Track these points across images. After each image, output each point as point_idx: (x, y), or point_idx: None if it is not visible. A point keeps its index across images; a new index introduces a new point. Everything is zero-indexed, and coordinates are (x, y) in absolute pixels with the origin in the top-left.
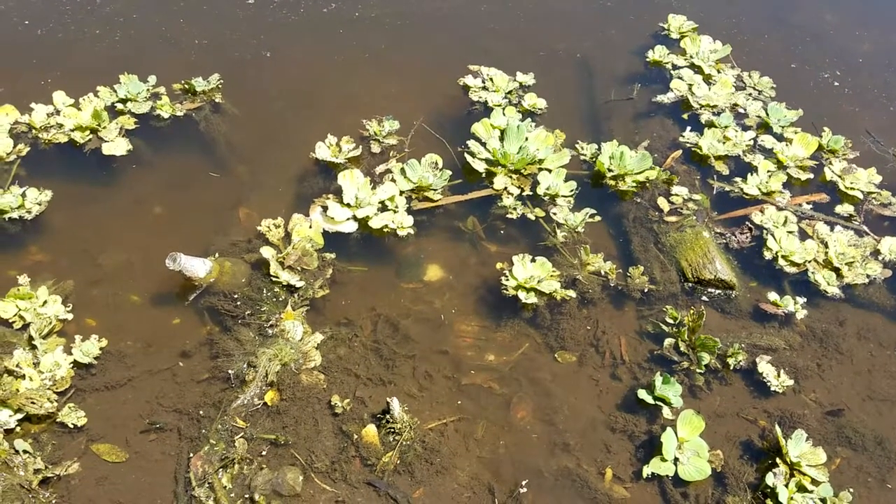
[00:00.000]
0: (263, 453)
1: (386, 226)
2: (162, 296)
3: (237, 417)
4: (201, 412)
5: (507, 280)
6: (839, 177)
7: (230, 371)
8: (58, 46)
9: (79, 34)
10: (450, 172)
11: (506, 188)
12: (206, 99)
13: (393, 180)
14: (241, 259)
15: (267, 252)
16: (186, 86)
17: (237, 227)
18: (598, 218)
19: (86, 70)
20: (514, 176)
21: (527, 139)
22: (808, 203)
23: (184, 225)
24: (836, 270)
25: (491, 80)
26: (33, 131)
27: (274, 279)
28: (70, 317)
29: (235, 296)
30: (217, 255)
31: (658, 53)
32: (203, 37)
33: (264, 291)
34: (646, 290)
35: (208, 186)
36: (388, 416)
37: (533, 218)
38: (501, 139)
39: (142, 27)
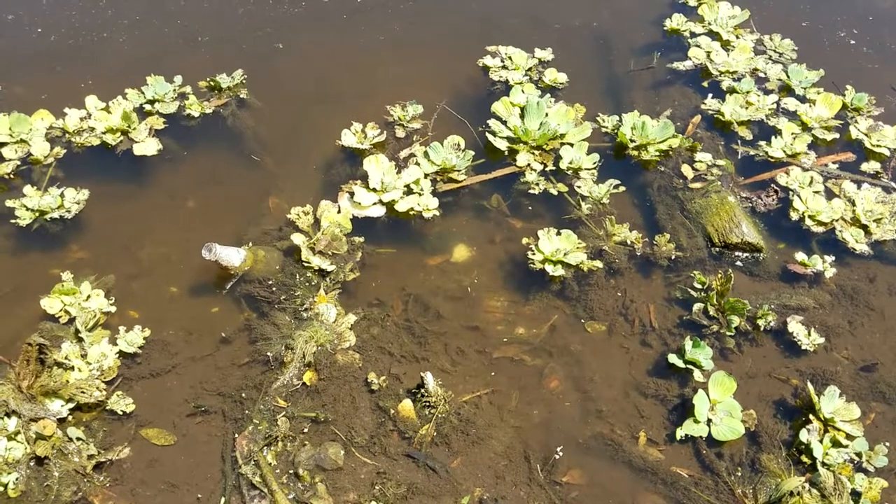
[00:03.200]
0: (305, 430)
1: (412, 208)
2: (200, 286)
3: (278, 398)
4: (243, 394)
5: (534, 254)
6: (865, 135)
7: (269, 354)
8: (75, 52)
9: (90, 39)
10: (472, 153)
11: (529, 164)
12: (231, 95)
13: (417, 163)
14: (274, 247)
15: (298, 238)
16: (212, 83)
17: (268, 217)
18: (622, 189)
19: (105, 74)
20: (537, 152)
21: (547, 115)
22: (834, 163)
23: (216, 217)
24: (864, 227)
25: (510, 58)
26: (67, 135)
27: (306, 264)
28: (113, 309)
29: (270, 282)
30: (250, 244)
31: (676, 22)
32: (208, 34)
33: (297, 277)
34: (673, 258)
35: (238, 179)
36: (422, 391)
37: (556, 193)
38: (522, 116)
39: (145, 29)
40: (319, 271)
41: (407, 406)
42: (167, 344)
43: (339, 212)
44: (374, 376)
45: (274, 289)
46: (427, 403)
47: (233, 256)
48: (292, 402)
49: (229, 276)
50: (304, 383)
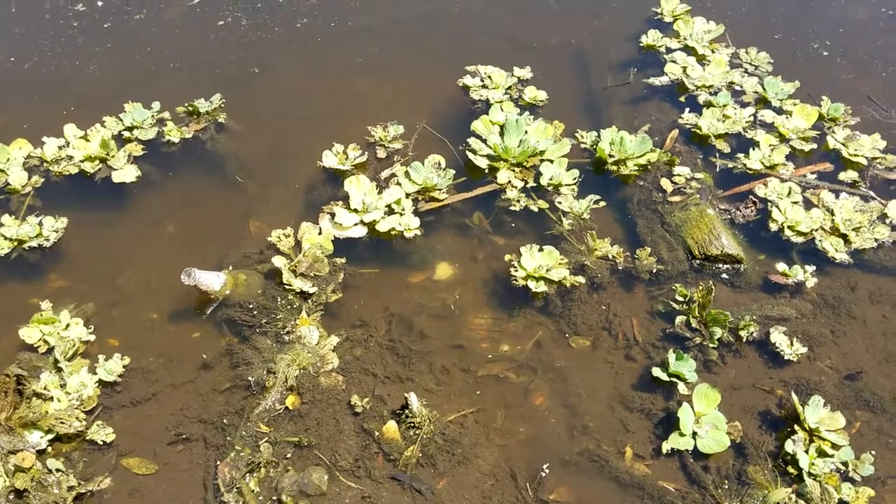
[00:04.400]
0: (288, 456)
1: (393, 228)
2: (180, 311)
3: (260, 423)
4: (225, 420)
5: (517, 271)
6: (843, 144)
7: (250, 378)
8: (50, 80)
9: (64, 67)
10: (453, 171)
11: (509, 182)
12: (210, 119)
13: (398, 183)
14: (255, 270)
15: (279, 261)
16: (190, 108)
17: (248, 240)
18: (602, 204)
19: (81, 102)
20: (517, 169)
21: (526, 132)
22: (812, 173)
23: (197, 242)
24: (844, 237)
25: (489, 77)
26: (45, 164)
27: (287, 287)
28: (93, 338)
29: (251, 306)
30: (231, 267)
31: (651, 38)
32: (180, 61)
33: (279, 300)
34: (654, 271)
35: (219, 203)
36: (407, 412)
37: (537, 209)
38: (502, 134)
39: (117, 56)
40: (301, 293)
41: (391, 428)
42: (147, 371)
43: (320, 233)
44: (358, 398)
45: (255, 312)
46: (412, 424)
47: (212, 281)
48: (275, 427)
49: (210, 300)
50: (286, 407)
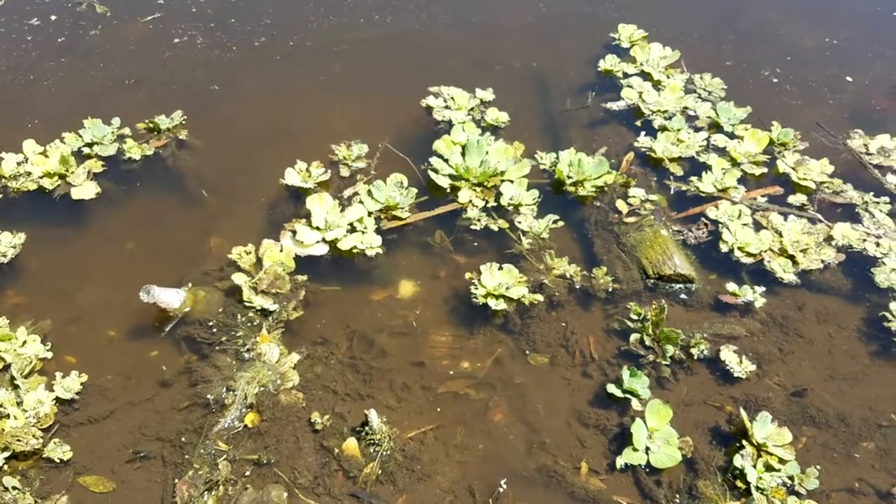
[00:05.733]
0: (247, 473)
1: (355, 246)
2: (139, 329)
3: (219, 441)
4: (184, 438)
5: (477, 289)
6: (792, 168)
7: (209, 396)
8: (5, 95)
9: (18, 81)
10: (416, 190)
11: (470, 201)
12: (171, 136)
13: (361, 202)
14: (215, 287)
15: (239, 278)
16: (151, 124)
17: (209, 257)
18: (560, 223)
19: (38, 117)
20: (478, 189)
21: (487, 153)
22: (762, 196)
23: (156, 259)
24: (792, 258)
25: (452, 98)
26: (3, 180)
27: (248, 304)
28: (50, 355)
29: (211, 323)
30: (190, 285)
31: (609, 62)
32: (135, 77)
33: (239, 317)
34: (610, 290)
35: (179, 220)
36: (367, 429)
37: (497, 229)
38: (463, 154)
39: (72, 72)
40: (262, 311)
41: (351, 445)
42: (105, 389)
43: (281, 251)
44: (318, 416)
45: (215, 330)
46: (372, 441)
47: (172, 298)
48: (234, 445)
49: (168, 318)
50: (245, 425)
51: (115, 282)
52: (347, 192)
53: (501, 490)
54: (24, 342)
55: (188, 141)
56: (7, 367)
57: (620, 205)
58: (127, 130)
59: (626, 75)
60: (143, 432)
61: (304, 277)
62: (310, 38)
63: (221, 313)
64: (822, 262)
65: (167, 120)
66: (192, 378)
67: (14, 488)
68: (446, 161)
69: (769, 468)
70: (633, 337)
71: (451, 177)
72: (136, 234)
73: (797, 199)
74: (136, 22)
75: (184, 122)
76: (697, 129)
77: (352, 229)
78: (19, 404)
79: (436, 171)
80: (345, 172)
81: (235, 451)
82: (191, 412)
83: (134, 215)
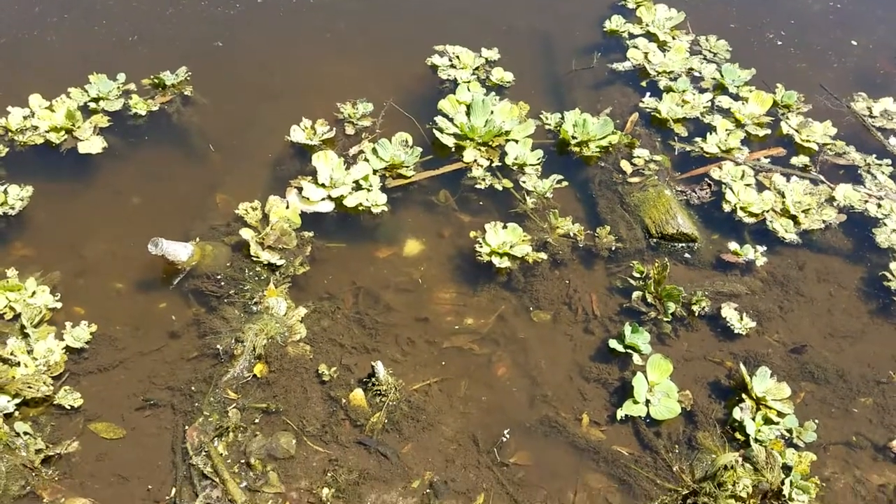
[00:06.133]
0: (256, 421)
1: (360, 204)
2: (147, 282)
3: (228, 390)
4: (193, 388)
5: (481, 247)
6: (796, 130)
7: (218, 347)
8: (9, 50)
9: (21, 37)
10: (420, 149)
11: (475, 160)
12: (176, 92)
13: (366, 160)
14: (222, 242)
15: (246, 234)
16: (156, 80)
17: (215, 213)
18: (565, 183)
19: (43, 72)
20: (483, 148)
21: (492, 112)
22: (765, 157)
23: (162, 213)
24: (794, 218)
25: (458, 57)
26: (10, 134)
27: (255, 259)
28: (59, 306)
29: (219, 277)
30: (197, 239)
31: (615, 23)
32: (138, 34)
33: (246, 271)
34: (613, 249)
35: (185, 175)
36: (373, 380)
37: (502, 188)
38: (468, 114)
39: (75, 28)
40: (269, 266)
41: (358, 395)
42: (114, 339)
43: (287, 207)
44: (325, 367)
45: (223, 283)
46: (378, 392)
47: (180, 251)
48: (243, 394)
49: (176, 271)
50: (254, 375)
51: (122, 235)
52: (353, 151)
53: (504, 439)
54: (34, 293)
55: (193, 97)
56: (17, 316)
57: (625, 165)
58: (132, 86)
59: (631, 36)
60: (152, 381)
61: (311, 234)
62: None
63: (229, 267)
64: (824, 222)
65: (172, 76)
66: (201, 329)
67: (26, 433)
68: (451, 120)
69: (768, 421)
70: (636, 294)
71: (455, 136)
72: (143, 188)
73: (800, 160)
74: None
75: (188, 79)
76: (702, 91)
77: (357, 187)
78: (30, 352)
79: (441, 130)
80: (350, 131)
81: (245, 400)
82: (200, 362)
83: (140, 170)
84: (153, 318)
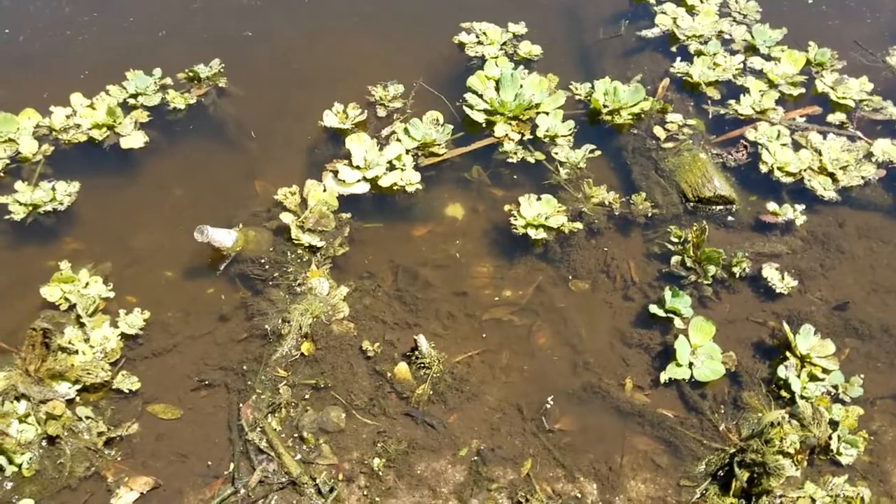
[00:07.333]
0: (306, 397)
1: (395, 184)
2: (194, 269)
3: (278, 368)
4: (245, 367)
5: (516, 220)
6: (831, 88)
7: (267, 327)
8: (48, 50)
9: (57, 37)
10: (451, 127)
11: (506, 135)
12: (211, 84)
13: (398, 140)
14: (263, 227)
15: (287, 217)
16: (191, 73)
17: (255, 199)
18: (598, 153)
19: (80, 71)
20: (514, 122)
21: (522, 86)
22: (801, 116)
23: (205, 203)
24: (832, 175)
25: (484, 34)
26: (54, 133)
27: (296, 242)
28: (112, 295)
29: (263, 261)
30: (240, 225)
31: None
32: (166, 29)
33: (288, 254)
34: (649, 215)
35: (224, 165)
36: (416, 354)
37: (534, 161)
38: (497, 89)
39: (105, 25)
40: (310, 248)
41: (402, 368)
42: (167, 325)
43: (324, 190)
44: (369, 343)
45: (267, 267)
46: (422, 365)
47: (224, 237)
48: (292, 372)
49: (222, 257)
50: (302, 353)
51: (168, 226)
52: (385, 132)
53: (549, 406)
54: (87, 283)
55: (227, 88)
56: (72, 307)
57: (658, 131)
58: (169, 80)
59: (659, 2)
60: (205, 363)
61: (348, 215)
62: None
63: (272, 251)
64: (863, 178)
65: (206, 69)
66: (249, 312)
67: (87, 417)
68: (481, 96)
69: (813, 378)
70: (675, 259)
71: (486, 112)
72: (185, 180)
73: (836, 117)
74: None
75: (222, 70)
76: (733, 53)
77: (391, 167)
78: (86, 340)
79: (471, 106)
80: (381, 113)
81: (294, 377)
82: (249, 343)
83: (181, 162)
84: (203, 303)
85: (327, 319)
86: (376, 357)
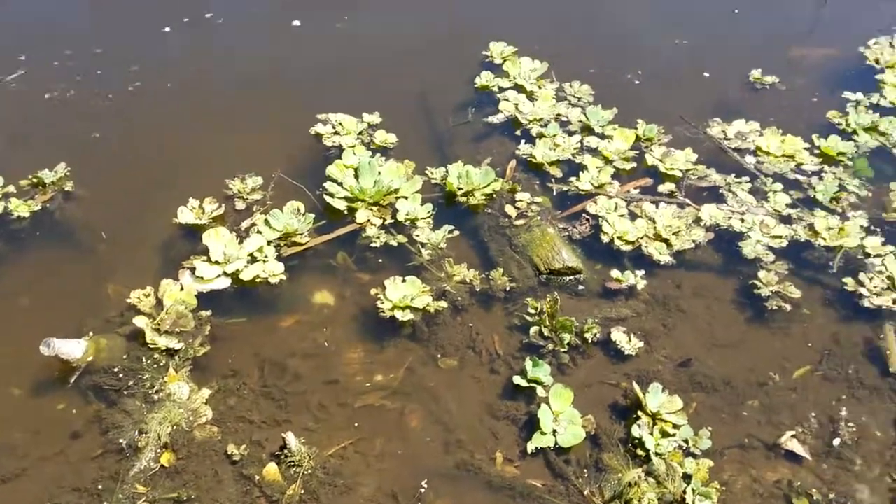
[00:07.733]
0: None
1: (258, 276)
2: (43, 383)
3: (137, 484)
4: (100, 486)
5: (383, 303)
6: (660, 160)
7: (122, 441)
8: None
9: None
10: (313, 215)
11: (368, 220)
12: (57, 189)
13: (259, 232)
14: (116, 333)
15: (140, 321)
16: (35, 179)
17: (107, 305)
18: (456, 233)
19: None
20: (375, 208)
21: (380, 173)
22: (635, 188)
23: (53, 312)
24: (666, 241)
25: (340, 124)
26: None
27: (152, 346)
28: None
29: (116, 369)
30: (91, 333)
31: (484, 79)
32: (12, 135)
33: (144, 360)
34: (508, 289)
35: (74, 271)
36: (286, 452)
37: (397, 244)
38: (356, 176)
39: None
40: (167, 351)
41: (272, 470)
42: (14, 447)
43: (181, 289)
44: (235, 447)
45: (121, 376)
46: (292, 463)
47: (73, 349)
48: (152, 487)
49: (72, 369)
50: (162, 465)
51: (13, 339)
52: (245, 224)
53: (423, 490)
54: None
55: (74, 192)
56: None
57: (509, 209)
58: (11, 188)
59: (501, 89)
60: (58, 485)
61: (208, 313)
62: (187, 77)
63: (126, 358)
64: (694, 241)
65: (51, 173)
66: (103, 425)
67: None
68: (341, 184)
69: (665, 434)
70: (533, 330)
71: (346, 199)
72: (31, 289)
73: (666, 187)
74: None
75: (68, 174)
76: (571, 133)
77: (252, 259)
78: None
79: (331, 194)
80: (240, 205)
81: (154, 492)
82: (105, 459)
83: (27, 271)
84: (53, 420)
85: (188, 426)
86: (243, 461)
